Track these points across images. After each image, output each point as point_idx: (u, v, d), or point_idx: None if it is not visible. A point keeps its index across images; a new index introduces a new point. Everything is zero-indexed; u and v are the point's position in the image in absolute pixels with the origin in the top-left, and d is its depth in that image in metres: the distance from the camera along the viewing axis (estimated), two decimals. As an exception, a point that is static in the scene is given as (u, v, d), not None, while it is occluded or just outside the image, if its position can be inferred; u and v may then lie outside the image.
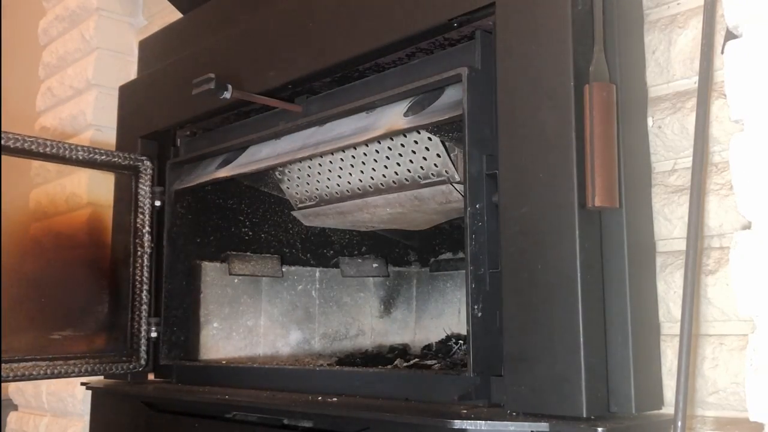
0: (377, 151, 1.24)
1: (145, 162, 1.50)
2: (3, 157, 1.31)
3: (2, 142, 1.30)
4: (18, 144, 1.32)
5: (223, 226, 1.53)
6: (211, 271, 1.51)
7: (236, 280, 1.54)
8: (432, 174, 1.19)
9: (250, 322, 1.55)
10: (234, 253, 1.53)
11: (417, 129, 1.12)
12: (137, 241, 1.48)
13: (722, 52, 0.83)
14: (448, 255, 1.55)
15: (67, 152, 1.39)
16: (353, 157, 1.28)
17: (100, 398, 1.50)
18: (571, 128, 0.85)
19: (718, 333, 0.86)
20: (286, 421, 1.08)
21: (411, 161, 1.21)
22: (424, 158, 1.19)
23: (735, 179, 0.77)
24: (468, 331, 0.92)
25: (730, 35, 0.81)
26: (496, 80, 0.95)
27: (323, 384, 1.13)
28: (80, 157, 1.41)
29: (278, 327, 1.57)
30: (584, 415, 0.80)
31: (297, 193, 1.46)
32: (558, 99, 0.86)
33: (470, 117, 0.96)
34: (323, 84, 1.24)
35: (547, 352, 0.84)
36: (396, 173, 1.24)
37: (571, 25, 0.86)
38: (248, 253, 1.55)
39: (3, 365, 1.26)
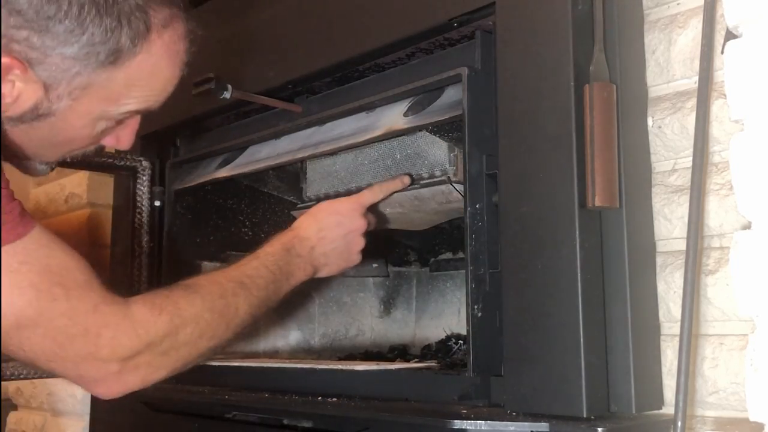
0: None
1: (143, 163, 1.50)
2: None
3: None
4: (18, 144, 1.32)
5: (223, 226, 1.53)
6: (211, 271, 1.50)
7: (236, 280, 1.53)
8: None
9: (250, 322, 1.54)
10: (234, 253, 1.52)
11: (417, 129, 1.12)
12: (135, 241, 1.48)
13: (722, 52, 0.83)
14: (448, 255, 1.54)
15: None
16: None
17: (99, 398, 1.49)
18: (571, 128, 0.85)
19: (718, 333, 0.86)
20: (286, 421, 1.08)
21: (411, 161, 1.21)
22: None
23: (735, 179, 0.77)
24: (468, 331, 0.92)
25: (730, 35, 0.81)
26: (496, 80, 0.95)
27: (323, 384, 1.13)
28: (79, 159, 1.41)
29: (278, 327, 1.57)
30: (584, 415, 0.80)
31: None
32: (558, 99, 0.86)
33: (470, 117, 0.96)
34: (323, 84, 1.24)
35: (547, 352, 0.84)
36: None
37: (571, 25, 0.86)
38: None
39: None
